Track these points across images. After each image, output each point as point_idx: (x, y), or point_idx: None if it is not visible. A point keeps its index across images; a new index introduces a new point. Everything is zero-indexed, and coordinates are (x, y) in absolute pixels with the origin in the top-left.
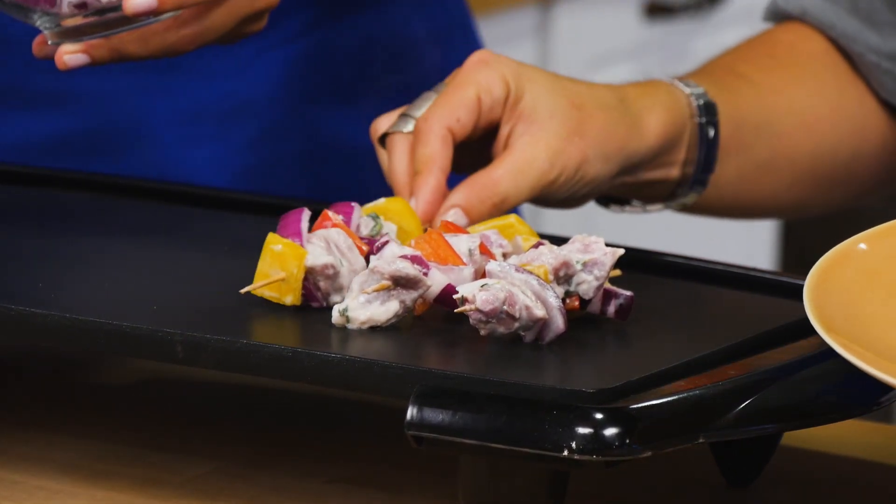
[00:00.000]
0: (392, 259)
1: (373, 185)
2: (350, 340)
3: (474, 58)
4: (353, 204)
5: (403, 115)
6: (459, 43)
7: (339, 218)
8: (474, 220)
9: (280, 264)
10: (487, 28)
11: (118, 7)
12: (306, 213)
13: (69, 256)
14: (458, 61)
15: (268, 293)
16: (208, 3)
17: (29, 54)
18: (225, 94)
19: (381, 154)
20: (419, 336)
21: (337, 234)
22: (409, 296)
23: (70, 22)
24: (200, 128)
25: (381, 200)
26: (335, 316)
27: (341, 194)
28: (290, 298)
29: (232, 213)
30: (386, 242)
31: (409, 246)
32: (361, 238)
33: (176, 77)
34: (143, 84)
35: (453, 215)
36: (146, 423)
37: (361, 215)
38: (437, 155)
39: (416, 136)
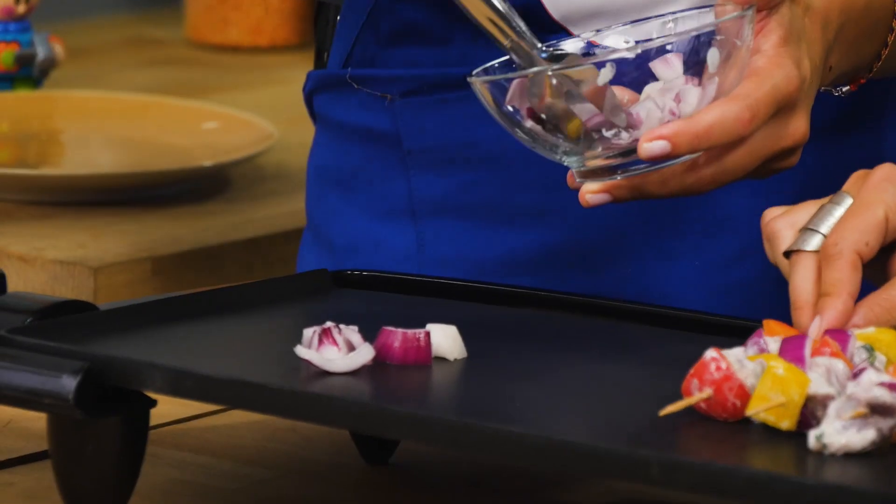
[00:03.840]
0: (869, 386)
1: None
2: (825, 466)
3: (881, 174)
4: (849, 332)
5: (808, 230)
6: None
7: (837, 346)
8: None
9: (781, 388)
10: None
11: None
12: (809, 340)
13: (544, 375)
14: None
15: (763, 415)
16: (726, 146)
17: (510, 172)
18: (705, 209)
19: (782, 263)
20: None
21: (838, 364)
22: (886, 423)
23: (593, 163)
24: (679, 243)
25: (871, 329)
26: (811, 441)
27: None
28: (787, 423)
29: (704, 334)
30: (863, 369)
31: (888, 373)
32: (854, 367)
33: None
34: None
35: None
36: None
37: (857, 344)
38: (847, 280)
39: (826, 259)
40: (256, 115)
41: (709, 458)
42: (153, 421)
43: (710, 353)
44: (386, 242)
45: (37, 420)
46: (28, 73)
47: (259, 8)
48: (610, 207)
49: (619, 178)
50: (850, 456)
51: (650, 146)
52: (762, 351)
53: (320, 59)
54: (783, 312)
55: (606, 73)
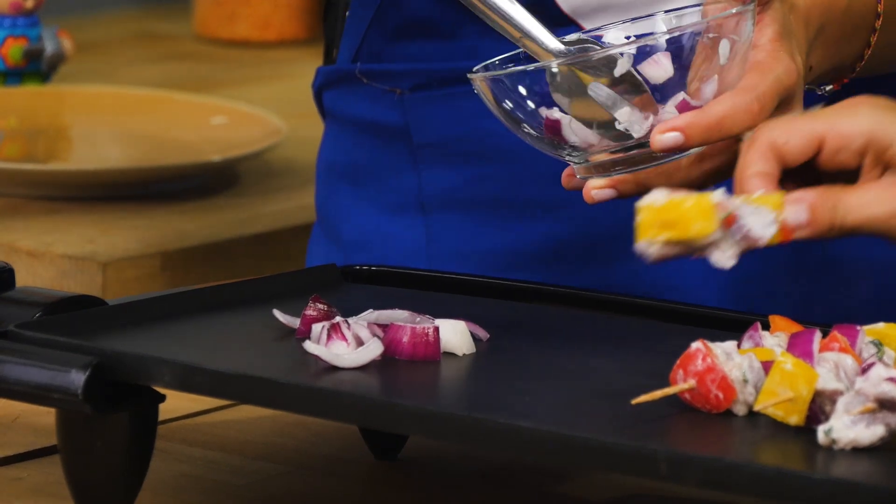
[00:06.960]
0: (878, 381)
1: (852, 305)
2: (834, 461)
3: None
4: (858, 328)
5: None
6: None
7: (845, 341)
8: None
9: (789, 383)
10: None
11: (645, 144)
12: (818, 336)
13: (553, 370)
14: None
15: (772, 410)
16: (734, 140)
17: (519, 166)
18: None
19: None
20: None
21: (846, 360)
22: (895, 419)
23: (598, 158)
24: None
25: (881, 325)
26: (820, 436)
27: (828, 312)
28: (795, 419)
29: (713, 329)
30: (872, 364)
31: None
32: (862, 363)
33: None
34: None
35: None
36: None
37: (866, 340)
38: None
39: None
40: (265, 110)
41: (717, 454)
42: (162, 416)
43: (696, 345)
44: (395, 237)
45: (46, 415)
46: (37, 68)
47: (267, 3)
48: (620, 201)
49: (622, 172)
50: (858, 451)
51: (663, 137)
52: (757, 345)
53: (329, 55)
54: (792, 306)
55: (624, 64)
